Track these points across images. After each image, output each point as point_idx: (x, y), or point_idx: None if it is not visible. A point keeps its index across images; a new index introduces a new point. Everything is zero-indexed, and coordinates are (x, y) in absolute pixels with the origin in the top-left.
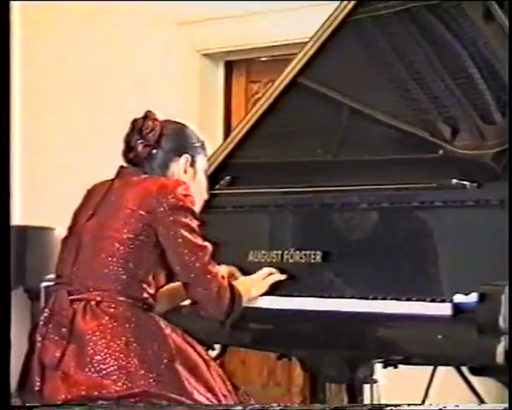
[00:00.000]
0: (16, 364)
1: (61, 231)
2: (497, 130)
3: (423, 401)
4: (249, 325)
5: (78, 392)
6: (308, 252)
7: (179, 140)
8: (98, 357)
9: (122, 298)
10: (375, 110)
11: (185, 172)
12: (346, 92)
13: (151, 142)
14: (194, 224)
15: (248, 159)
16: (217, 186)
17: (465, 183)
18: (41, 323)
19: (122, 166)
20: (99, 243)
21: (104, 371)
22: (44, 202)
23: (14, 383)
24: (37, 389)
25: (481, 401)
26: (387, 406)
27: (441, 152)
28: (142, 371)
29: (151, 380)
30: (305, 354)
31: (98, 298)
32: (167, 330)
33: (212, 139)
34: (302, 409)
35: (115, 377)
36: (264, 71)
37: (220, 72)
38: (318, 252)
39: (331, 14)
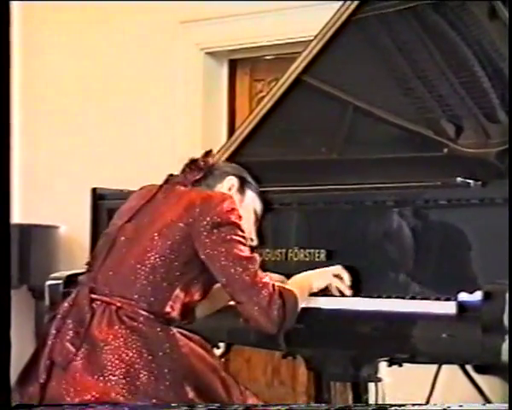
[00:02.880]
0: (19, 363)
1: (65, 230)
2: (502, 128)
3: (428, 400)
4: None
5: (82, 397)
6: (312, 250)
7: (229, 169)
8: (108, 365)
9: (143, 311)
10: (379, 109)
11: (229, 190)
12: (350, 91)
13: (202, 167)
14: (240, 237)
15: (252, 157)
16: None
17: (469, 181)
18: (59, 316)
19: (171, 175)
20: (131, 249)
21: (113, 381)
22: (47, 201)
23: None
24: (41, 382)
25: (486, 400)
26: (392, 406)
27: (446, 150)
28: (150, 388)
29: (157, 397)
30: (309, 353)
31: (118, 304)
32: (184, 349)
33: (215, 138)
34: (304, 409)
35: (122, 388)
36: (268, 69)
37: (224, 70)
38: (322, 250)
39: (336, 13)
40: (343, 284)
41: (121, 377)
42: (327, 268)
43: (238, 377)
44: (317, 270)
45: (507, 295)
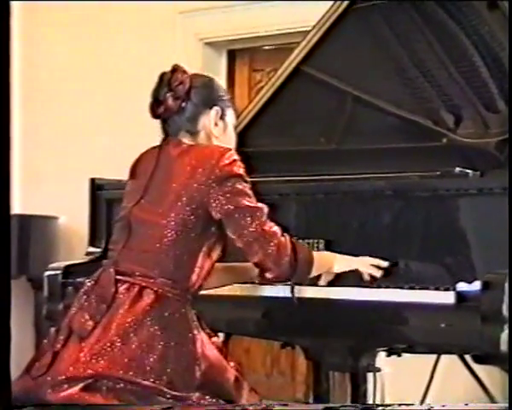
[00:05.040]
0: (18, 353)
1: (64, 221)
2: (501, 118)
3: (426, 390)
4: (252, 314)
5: (86, 370)
6: (311, 240)
7: (209, 92)
8: (119, 341)
9: (165, 288)
10: (378, 99)
11: (216, 124)
12: (349, 81)
13: (181, 94)
14: (246, 187)
15: (251, 147)
16: None
17: (468, 171)
18: (81, 293)
19: (164, 139)
20: (147, 230)
21: (122, 357)
22: (46, 192)
23: (15, 377)
24: (55, 350)
25: (485, 389)
26: (378, 406)
27: (444, 140)
28: (159, 368)
29: (165, 378)
30: (308, 343)
31: (144, 284)
32: (198, 335)
33: None
34: (296, 409)
35: (133, 364)
36: (267, 59)
37: (223, 60)
38: (321, 240)
39: (334, 3)
40: (374, 270)
41: (131, 354)
42: (355, 258)
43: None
44: (344, 256)
45: (506, 284)
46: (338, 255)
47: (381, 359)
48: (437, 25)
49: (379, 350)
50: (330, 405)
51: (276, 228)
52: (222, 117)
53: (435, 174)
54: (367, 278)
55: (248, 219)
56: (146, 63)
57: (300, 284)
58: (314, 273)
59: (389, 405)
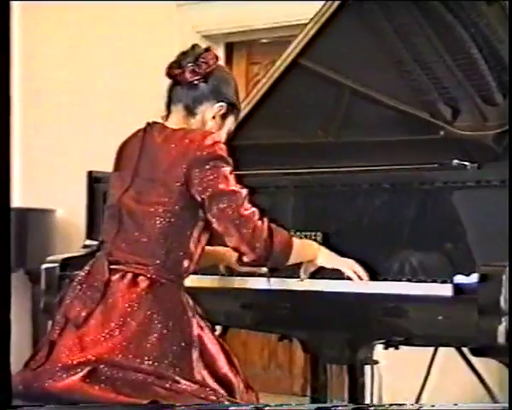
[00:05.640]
0: (16, 346)
1: (61, 213)
2: (499, 111)
3: (424, 383)
4: (250, 306)
5: (86, 356)
6: (309, 233)
7: (225, 88)
8: (117, 327)
9: (158, 274)
10: (376, 91)
11: (214, 118)
12: (346, 73)
13: (201, 71)
14: (226, 170)
15: (249, 140)
16: None
17: (466, 163)
18: (75, 283)
19: (148, 124)
20: (137, 218)
21: (121, 341)
22: (44, 185)
23: (15, 370)
24: (53, 340)
25: (482, 382)
26: (370, 406)
27: (442, 133)
28: (158, 349)
29: (164, 360)
30: (305, 336)
31: (137, 271)
32: (194, 319)
33: None
34: (290, 409)
35: (131, 347)
36: (264, 52)
37: (221, 53)
38: (319, 233)
39: None
40: (358, 267)
41: (129, 338)
42: (340, 257)
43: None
44: (330, 251)
45: (503, 277)
46: (322, 248)
47: (379, 351)
48: (435, 17)
49: (376, 343)
50: (322, 405)
51: (253, 211)
52: (223, 116)
53: (433, 167)
54: (346, 276)
55: (226, 202)
56: (144, 56)
57: (277, 272)
58: (293, 260)
59: (381, 405)
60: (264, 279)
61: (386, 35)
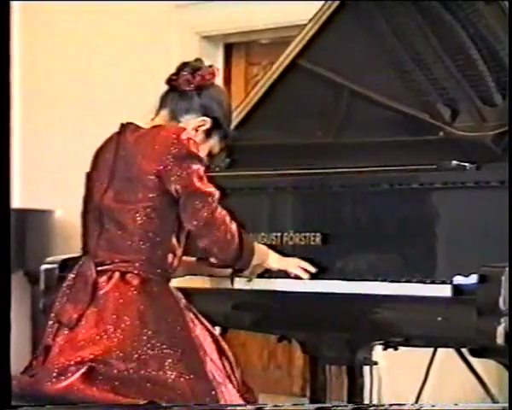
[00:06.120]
0: (15, 347)
1: (61, 214)
2: (498, 111)
3: (423, 384)
4: (249, 307)
5: (81, 356)
6: (307, 234)
7: (215, 106)
8: (111, 326)
9: (145, 270)
10: (375, 92)
11: (196, 131)
12: (345, 74)
13: (195, 82)
14: (200, 169)
15: (248, 141)
16: (216, 168)
17: (465, 164)
18: (64, 287)
19: (123, 125)
20: (119, 217)
21: (114, 340)
22: (43, 186)
23: (14, 370)
24: (48, 345)
25: (481, 382)
26: (370, 406)
27: (441, 134)
28: (155, 340)
29: (165, 349)
30: (304, 337)
31: (123, 269)
32: (183, 307)
33: None
34: (290, 409)
35: (128, 341)
36: (263, 53)
37: (220, 54)
38: (318, 234)
39: None
40: (304, 263)
41: (124, 334)
42: (285, 258)
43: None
44: (276, 254)
45: (503, 278)
46: (271, 251)
47: (378, 352)
48: (433, 18)
49: (375, 344)
50: (323, 405)
51: (225, 214)
52: (207, 133)
53: (432, 168)
54: (292, 275)
55: (199, 203)
56: (143, 57)
57: (241, 272)
58: (254, 263)
59: (381, 405)
60: (264, 280)
61: (385, 36)
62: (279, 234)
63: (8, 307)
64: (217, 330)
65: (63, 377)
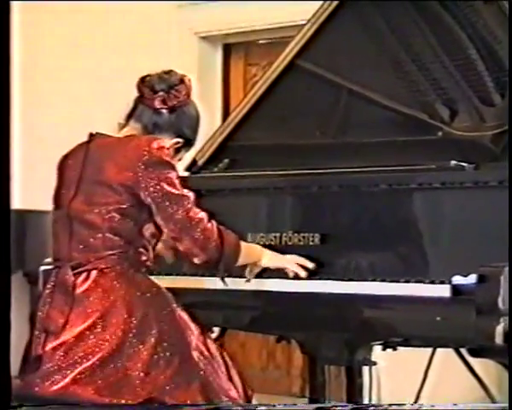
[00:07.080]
0: (15, 347)
1: None
2: (496, 111)
3: (422, 384)
4: (248, 308)
5: (73, 358)
6: (306, 234)
7: (187, 125)
8: (99, 324)
9: (121, 263)
10: (373, 92)
11: (167, 149)
12: (344, 74)
13: (170, 104)
14: (173, 175)
15: (247, 141)
16: (215, 169)
17: (464, 164)
18: (45, 296)
19: (92, 134)
20: (89, 220)
21: (100, 337)
22: (42, 186)
23: (14, 370)
24: (38, 354)
25: (480, 383)
26: (369, 406)
27: (440, 134)
28: (142, 333)
29: (154, 331)
30: (303, 337)
31: (101, 266)
32: (167, 293)
33: (210, 122)
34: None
35: (119, 332)
36: (262, 54)
37: (218, 55)
38: (316, 234)
39: None
40: (301, 259)
41: (112, 329)
42: (282, 256)
43: (233, 361)
44: (273, 252)
45: (501, 277)
46: (266, 250)
47: (377, 352)
48: (432, 18)
49: (374, 344)
50: (322, 405)
51: (202, 214)
52: (177, 149)
53: (431, 167)
54: (291, 275)
55: (174, 206)
56: (141, 58)
57: (229, 274)
58: (242, 261)
59: (380, 405)
60: (263, 280)
61: (384, 36)
62: (278, 234)
63: (8, 308)
64: (216, 331)
65: (59, 378)
